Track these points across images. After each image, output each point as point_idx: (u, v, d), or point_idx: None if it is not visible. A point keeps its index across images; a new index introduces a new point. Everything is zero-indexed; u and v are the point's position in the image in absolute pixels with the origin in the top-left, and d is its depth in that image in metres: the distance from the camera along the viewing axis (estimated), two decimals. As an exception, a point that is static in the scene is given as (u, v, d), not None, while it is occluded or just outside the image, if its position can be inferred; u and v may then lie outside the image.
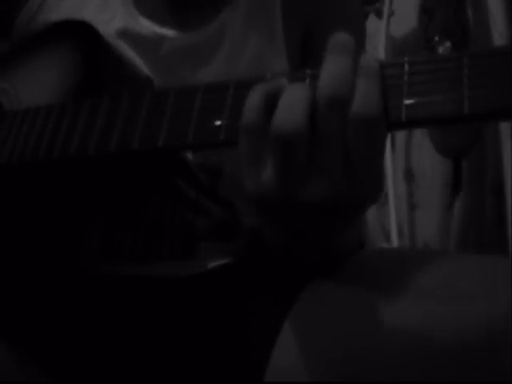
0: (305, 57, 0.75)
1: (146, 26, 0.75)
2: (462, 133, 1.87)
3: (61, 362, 0.68)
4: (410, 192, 1.98)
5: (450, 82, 0.43)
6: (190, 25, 0.75)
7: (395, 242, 1.92)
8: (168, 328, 0.71)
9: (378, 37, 1.85)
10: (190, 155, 0.71)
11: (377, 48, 1.82)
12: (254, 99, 0.49)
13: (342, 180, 0.47)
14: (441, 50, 1.89)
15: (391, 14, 1.92)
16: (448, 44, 1.87)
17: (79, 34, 0.68)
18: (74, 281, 0.71)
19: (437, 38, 1.84)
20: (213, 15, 0.75)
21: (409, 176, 1.98)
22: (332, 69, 0.46)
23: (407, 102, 0.44)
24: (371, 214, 2.05)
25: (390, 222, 1.93)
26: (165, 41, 0.74)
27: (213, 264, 0.73)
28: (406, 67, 0.45)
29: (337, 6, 0.77)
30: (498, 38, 1.67)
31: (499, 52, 0.42)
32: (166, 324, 0.71)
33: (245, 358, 0.65)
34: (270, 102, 0.48)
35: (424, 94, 0.44)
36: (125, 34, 0.74)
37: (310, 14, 0.76)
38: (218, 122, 0.51)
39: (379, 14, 1.96)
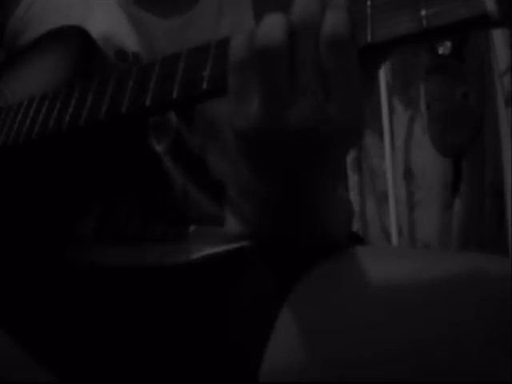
0: None
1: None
2: (462, 132, 1.87)
3: (59, 356, 0.68)
4: (409, 192, 1.98)
5: (409, 6, 0.49)
6: (166, 13, 0.79)
7: (395, 241, 1.92)
8: (161, 317, 0.71)
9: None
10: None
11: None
12: (237, 40, 0.54)
13: (321, 102, 0.51)
14: (441, 50, 1.89)
15: (391, 14, 1.92)
16: (448, 44, 1.87)
17: (69, 35, 0.72)
18: (68, 271, 0.72)
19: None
20: (189, 5, 0.79)
21: (408, 175, 1.98)
22: (303, 2, 0.52)
23: (371, 27, 0.50)
24: (371, 213, 2.05)
25: (389, 221, 1.94)
26: (144, 22, 0.79)
27: (206, 252, 0.74)
28: (369, 2, 0.51)
29: None
30: (499, 36, 1.68)
31: None
32: (158, 313, 0.72)
33: (239, 352, 0.65)
34: (252, 38, 0.53)
35: (385, 20, 0.50)
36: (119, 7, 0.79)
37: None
38: (201, 74, 0.56)
39: (379, 14, 1.96)
